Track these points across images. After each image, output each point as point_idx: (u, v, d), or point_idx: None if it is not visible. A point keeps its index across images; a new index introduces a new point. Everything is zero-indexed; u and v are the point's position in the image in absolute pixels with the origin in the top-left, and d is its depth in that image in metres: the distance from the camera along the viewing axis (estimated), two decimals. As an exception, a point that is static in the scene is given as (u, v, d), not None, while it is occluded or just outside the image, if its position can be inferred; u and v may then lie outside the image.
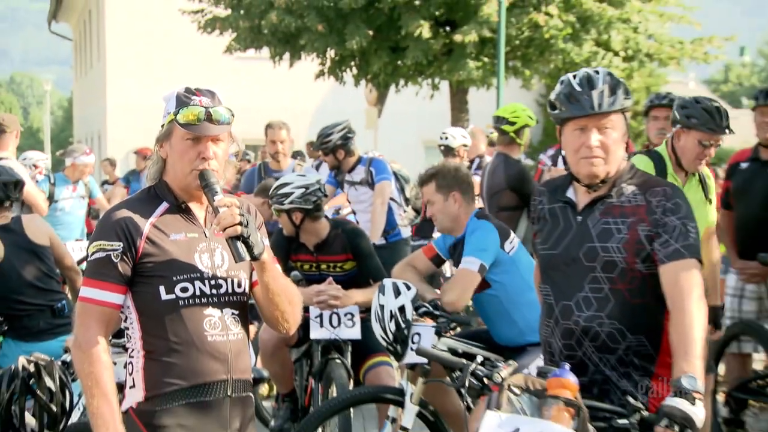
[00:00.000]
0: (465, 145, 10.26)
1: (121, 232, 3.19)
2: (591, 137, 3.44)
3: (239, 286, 3.32)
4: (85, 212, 10.63)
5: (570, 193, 3.62)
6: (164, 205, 3.30)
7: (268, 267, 3.27)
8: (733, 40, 19.58)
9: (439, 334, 4.83)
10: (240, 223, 3.10)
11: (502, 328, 5.13)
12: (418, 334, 4.83)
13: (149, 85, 27.85)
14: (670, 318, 3.35)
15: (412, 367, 4.86)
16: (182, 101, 3.22)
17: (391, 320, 4.86)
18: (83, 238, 10.07)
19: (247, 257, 3.15)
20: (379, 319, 4.91)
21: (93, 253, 3.20)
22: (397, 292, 4.93)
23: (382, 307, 4.91)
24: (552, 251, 3.59)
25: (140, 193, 3.40)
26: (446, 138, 10.20)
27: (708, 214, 5.54)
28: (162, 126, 3.28)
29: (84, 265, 6.97)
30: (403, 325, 4.85)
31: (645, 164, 5.30)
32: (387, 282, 5.02)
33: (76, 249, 7.83)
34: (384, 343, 4.97)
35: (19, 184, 5.70)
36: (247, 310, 3.39)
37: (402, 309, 4.87)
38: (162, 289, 3.20)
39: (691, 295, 3.31)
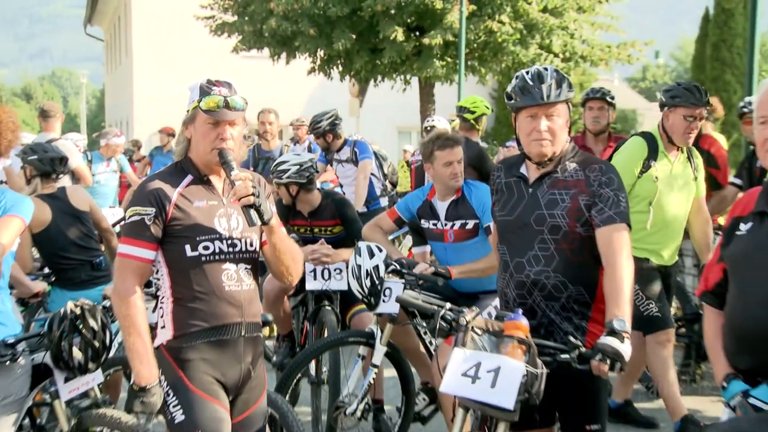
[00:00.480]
0: (446, 129, 10.15)
1: (153, 200, 3.18)
2: (541, 123, 3.43)
3: (251, 245, 3.32)
4: (117, 184, 10.56)
5: (523, 170, 3.60)
6: (189, 178, 3.29)
7: (276, 230, 3.27)
8: (651, 44, 19.60)
9: (405, 288, 4.80)
10: (253, 194, 3.09)
11: None
12: (390, 288, 4.81)
13: (168, 79, 27.64)
14: (604, 272, 3.36)
15: (381, 314, 4.86)
16: (205, 91, 3.20)
17: (366, 277, 4.83)
18: (115, 206, 10.02)
19: (259, 222, 3.15)
20: (356, 277, 4.88)
21: (130, 217, 3.19)
22: (372, 254, 4.89)
23: (359, 266, 4.87)
24: (508, 217, 3.58)
25: (169, 167, 3.37)
26: (433, 121, 10.05)
27: (697, 186, 5.43)
28: (187, 111, 3.26)
29: (117, 228, 6.99)
30: (377, 281, 4.82)
31: (639, 144, 5.24)
32: (362, 245, 4.97)
33: (109, 215, 7.78)
34: (359, 296, 4.93)
35: (63, 159, 5.64)
36: (257, 265, 3.38)
37: (376, 268, 4.85)
38: (188, 247, 3.19)
39: (621, 253, 3.31)
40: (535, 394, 3.14)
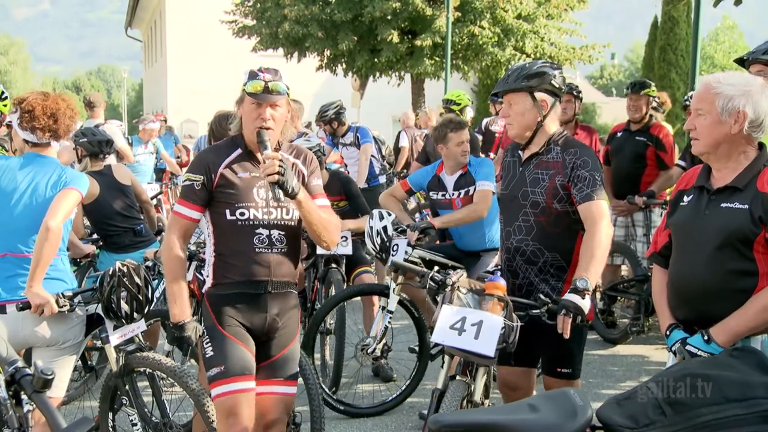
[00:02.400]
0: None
1: (204, 168, 3.16)
2: (503, 109, 3.49)
3: (287, 214, 3.21)
4: (153, 163, 10.48)
5: (519, 151, 3.57)
6: (238, 151, 3.22)
7: (303, 204, 3.11)
8: (608, 47, 19.51)
9: (410, 245, 4.83)
10: (278, 172, 2.98)
11: (471, 235, 5.07)
12: (397, 244, 4.85)
13: (197, 75, 27.53)
14: (585, 235, 3.30)
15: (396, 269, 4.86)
16: (251, 75, 3.13)
17: (377, 237, 4.88)
18: (152, 182, 9.97)
19: (282, 197, 3.04)
20: (369, 237, 4.93)
21: (184, 181, 3.18)
22: (381, 217, 4.94)
23: (371, 228, 4.92)
24: (504, 192, 3.57)
25: (225, 140, 3.32)
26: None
27: None
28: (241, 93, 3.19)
29: (155, 201, 6.90)
30: (386, 239, 4.86)
31: None
32: (375, 211, 5.02)
33: (147, 189, 7.73)
34: (373, 253, 4.98)
35: (109, 142, 5.60)
36: (295, 231, 3.27)
37: (384, 228, 4.88)
38: (227, 212, 3.16)
39: (601, 221, 3.26)
40: (511, 343, 3.15)
